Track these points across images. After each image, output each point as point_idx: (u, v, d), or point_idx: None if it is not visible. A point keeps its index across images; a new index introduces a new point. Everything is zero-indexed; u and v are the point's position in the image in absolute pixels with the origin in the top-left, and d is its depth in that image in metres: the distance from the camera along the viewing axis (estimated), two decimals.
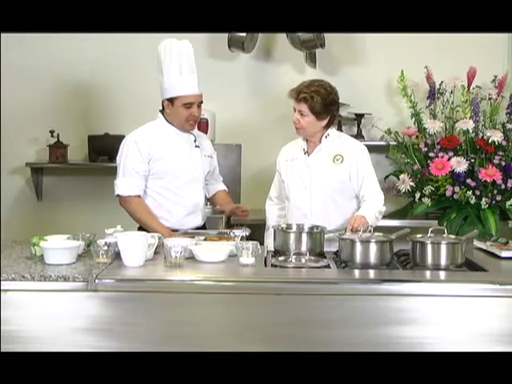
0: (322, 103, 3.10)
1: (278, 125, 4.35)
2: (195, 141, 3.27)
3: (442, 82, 4.32)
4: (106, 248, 2.57)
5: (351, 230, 2.90)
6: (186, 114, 3.14)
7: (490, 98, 4.30)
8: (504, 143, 4.12)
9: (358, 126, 4.57)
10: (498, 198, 4.04)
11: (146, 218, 3.14)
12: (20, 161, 4.64)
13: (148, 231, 2.92)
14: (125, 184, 3.14)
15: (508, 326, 2.36)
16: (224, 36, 4.32)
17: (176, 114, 3.15)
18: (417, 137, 4.27)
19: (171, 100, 3.13)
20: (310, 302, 2.39)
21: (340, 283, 2.46)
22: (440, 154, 4.10)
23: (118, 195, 3.17)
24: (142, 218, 3.14)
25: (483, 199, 4.01)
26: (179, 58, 3.10)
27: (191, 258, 2.63)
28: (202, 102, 3.19)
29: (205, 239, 2.91)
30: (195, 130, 3.33)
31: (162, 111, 3.23)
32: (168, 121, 3.21)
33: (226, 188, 3.55)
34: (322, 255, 2.83)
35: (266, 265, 2.70)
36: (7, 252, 2.77)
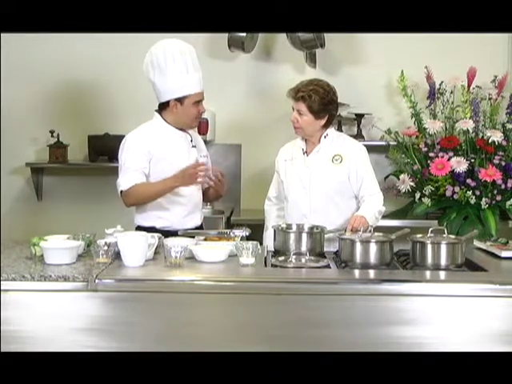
0: (321, 102, 3.10)
1: (278, 125, 4.35)
2: (191, 141, 3.27)
3: (442, 82, 4.33)
4: (105, 248, 2.57)
5: (351, 230, 2.90)
6: (196, 112, 3.16)
7: (489, 98, 4.30)
8: (504, 143, 4.13)
9: (358, 126, 4.56)
10: (498, 198, 4.04)
11: (150, 189, 3.09)
12: (20, 161, 4.64)
13: (152, 231, 2.91)
14: (126, 179, 3.08)
15: (508, 325, 2.36)
16: (224, 36, 4.32)
17: (186, 112, 3.14)
18: (417, 137, 4.27)
19: (180, 100, 3.12)
20: (310, 302, 2.39)
21: (340, 283, 2.46)
22: (440, 154, 4.11)
23: (121, 192, 3.09)
24: (150, 192, 3.09)
25: (483, 199, 4.01)
26: (184, 58, 3.10)
27: (191, 258, 2.63)
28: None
29: (205, 239, 2.91)
30: (191, 130, 3.32)
31: (160, 111, 3.22)
32: (166, 120, 3.20)
33: None
34: (322, 255, 2.82)
35: (265, 265, 2.70)
36: (7, 252, 2.77)
